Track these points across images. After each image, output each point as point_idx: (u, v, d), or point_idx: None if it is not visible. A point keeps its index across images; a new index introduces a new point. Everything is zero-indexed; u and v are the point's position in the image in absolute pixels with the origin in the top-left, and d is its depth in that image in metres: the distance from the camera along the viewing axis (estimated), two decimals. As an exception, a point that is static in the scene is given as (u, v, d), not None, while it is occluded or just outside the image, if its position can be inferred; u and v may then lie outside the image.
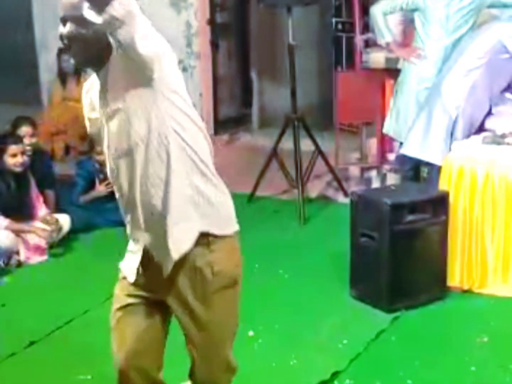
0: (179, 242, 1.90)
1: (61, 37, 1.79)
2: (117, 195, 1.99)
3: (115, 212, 4.54)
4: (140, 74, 1.77)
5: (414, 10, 4.26)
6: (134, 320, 2.04)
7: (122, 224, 4.66)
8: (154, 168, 1.84)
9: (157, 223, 1.90)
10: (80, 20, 1.76)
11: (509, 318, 3.32)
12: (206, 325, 2.00)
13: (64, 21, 1.79)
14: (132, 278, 1.99)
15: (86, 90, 1.97)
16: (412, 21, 4.45)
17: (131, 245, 2.03)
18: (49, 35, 6.66)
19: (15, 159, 4.12)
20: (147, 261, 1.97)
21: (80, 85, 6.26)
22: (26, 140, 4.45)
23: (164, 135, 1.82)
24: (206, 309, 1.98)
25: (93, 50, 1.79)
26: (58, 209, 4.51)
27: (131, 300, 2.02)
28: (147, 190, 1.87)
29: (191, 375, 2.17)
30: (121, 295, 2.05)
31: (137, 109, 1.80)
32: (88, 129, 1.99)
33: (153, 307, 2.04)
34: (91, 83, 1.94)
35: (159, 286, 1.98)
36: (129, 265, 2.01)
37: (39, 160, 4.60)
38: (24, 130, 4.51)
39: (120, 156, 1.86)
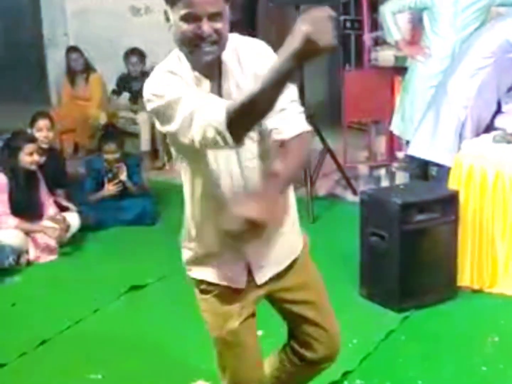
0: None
1: (208, 34, 1.69)
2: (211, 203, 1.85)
3: (125, 211, 4.65)
4: None
5: (423, 9, 4.25)
6: (253, 331, 2.03)
7: (131, 223, 4.73)
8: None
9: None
10: (226, 18, 1.74)
11: (520, 317, 3.31)
12: (317, 290, 2.09)
13: (214, 16, 1.70)
14: (242, 283, 1.93)
15: None
16: (420, 20, 4.44)
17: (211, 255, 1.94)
18: (58, 32, 6.68)
19: (31, 157, 4.14)
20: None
21: (88, 84, 6.28)
22: (44, 133, 4.50)
23: None
24: (312, 274, 2.09)
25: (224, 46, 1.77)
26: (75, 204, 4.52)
27: (247, 311, 1.97)
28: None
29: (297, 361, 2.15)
30: (234, 309, 1.95)
31: None
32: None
33: (254, 309, 2.03)
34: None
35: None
36: (229, 273, 1.93)
37: (52, 159, 4.62)
38: (42, 123, 4.57)
39: (254, 158, 1.83)
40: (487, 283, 3.49)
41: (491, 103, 3.86)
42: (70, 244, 4.30)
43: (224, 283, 1.93)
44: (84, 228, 4.45)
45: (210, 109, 1.61)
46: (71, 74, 6.31)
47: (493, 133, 3.71)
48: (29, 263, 4.09)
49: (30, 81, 6.69)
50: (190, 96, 1.66)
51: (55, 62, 6.68)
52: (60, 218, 4.27)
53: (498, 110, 3.92)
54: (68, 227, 4.27)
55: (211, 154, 1.78)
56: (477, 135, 3.80)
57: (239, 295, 1.94)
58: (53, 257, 4.17)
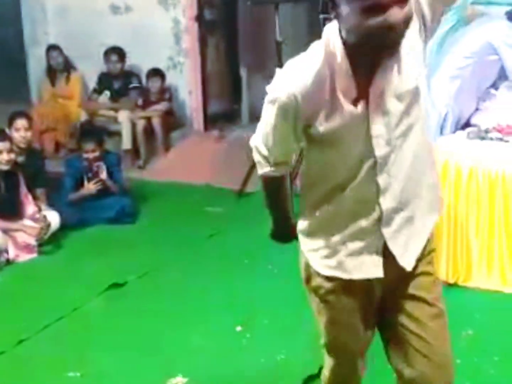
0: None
1: (396, 25, 1.47)
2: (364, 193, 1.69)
3: (105, 209, 4.65)
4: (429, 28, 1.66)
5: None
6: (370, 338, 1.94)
7: (111, 221, 4.73)
8: (424, 141, 1.74)
9: (423, 203, 1.75)
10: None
11: (494, 311, 3.35)
12: (433, 297, 1.82)
13: (399, 3, 1.46)
14: (379, 272, 1.74)
15: (300, 96, 1.59)
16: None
17: (347, 247, 1.76)
18: (39, 30, 6.65)
19: (0, 156, 4.12)
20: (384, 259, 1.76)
21: (69, 82, 6.27)
22: (22, 133, 4.48)
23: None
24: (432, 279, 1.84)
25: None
26: (50, 205, 4.52)
27: (371, 315, 1.85)
28: (421, 168, 1.73)
29: None
30: (358, 315, 1.82)
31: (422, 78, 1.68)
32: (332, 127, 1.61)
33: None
34: (298, 92, 1.58)
35: (391, 281, 1.78)
36: (365, 264, 1.75)
37: (32, 158, 4.61)
38: (20, 123, 4.53)
39: (403, 135, 1.66)
40: (461, 277, 3.54)
41: (471, 101, 3.91)
42: (50, 243, 4.29)
43: (361, 275, 1.75)
44: (64, 227, 4.45)
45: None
46: (51, 73, 6.29)
47: (468, 129, 3.76)
48: (8, 262, 4.08)
49: (11, 80, 6.65)
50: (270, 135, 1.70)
51: (36, 61, 6.65)
52: (40, 216, 4.27)
53: (475, 108, 3.98)
54: (48, 225, 4.27)
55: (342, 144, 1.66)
56: (456, 130, 3.85)
57: (367, 293, 1.79)
58: (32, 255, 4.17)
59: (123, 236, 4.49)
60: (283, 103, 1.60)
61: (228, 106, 6.81)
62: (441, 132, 3.81)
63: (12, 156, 4.19)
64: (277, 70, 1.70)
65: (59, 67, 6.24)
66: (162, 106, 5.99)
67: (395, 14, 1.45)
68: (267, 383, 2.86)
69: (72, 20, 6.45)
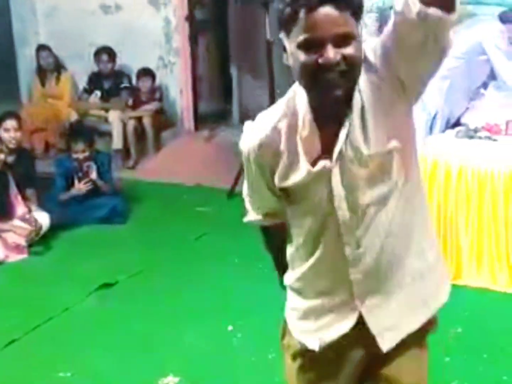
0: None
1: (335, 63, 1.39)
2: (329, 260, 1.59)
3: (95, 209, 4.64)
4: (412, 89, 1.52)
5: (390, 8, 4.31)
6: None
7: (102, 221, 4.72)
8: (411, 211, 1.57)
9: (406, 278, 1.61)
10: (358, 39, 1.42)
11: (483, 308, 3.38)
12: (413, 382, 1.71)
13: (342, 38, 1.40)
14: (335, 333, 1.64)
15: (260, 153, 1.58)
16: (389, 17, 4.49)
17: (322, 319, 1.67)
18: (28, 30, 6.63)
19: None
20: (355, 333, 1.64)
21: (59, 82, 6.26)
22: (11, 134, 4.47)
23: (414, 164, 1.56)
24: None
25: (358, 75, 1.44)
26: (41, 206, 4.51)
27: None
28: (402, 240, 1.58)
29: None
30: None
31: (403, 143, 1.50)
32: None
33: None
34: (259, 144, 1.57)
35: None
36: (327, 334, 1.66)
37: (22, 158, 4.59)
38: (9, 123, 4.51)
39: (373, 204, 1.53)
40: (451, 275, 3.55)
41: (461, 101, 3.95)
42: (40, 243, 4.29)
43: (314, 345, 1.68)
44: (55, 227, 4.44)
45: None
46: (41, 73, 6.28)
47: (457, 128, 3.79)
48: (-2, 262, 4.08)
49: (0, 80, 6.63)
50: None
51: (26, 61, 6.63)
52: (31, 218, 4.26)
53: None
54: (40, 228, 4.26)
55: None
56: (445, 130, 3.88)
57: (337, 363, 1.69)
58: (23, 256, 4.16)
59: (114, 235, 4.49)
60: (246, 154, 1.62)
61: (219, 106, 6.82)
62: (431, 131, 3.85)
63: (2, 156, 4.19)
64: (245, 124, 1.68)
65: (49, 67, 6.23)
66: (152, 106, 5.99)
67: (329, 53, 1.38)
68: (258, 382, 2.87)
69: (62, 19, 6.43)
